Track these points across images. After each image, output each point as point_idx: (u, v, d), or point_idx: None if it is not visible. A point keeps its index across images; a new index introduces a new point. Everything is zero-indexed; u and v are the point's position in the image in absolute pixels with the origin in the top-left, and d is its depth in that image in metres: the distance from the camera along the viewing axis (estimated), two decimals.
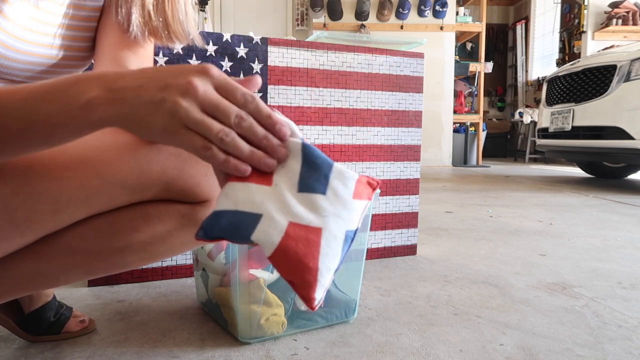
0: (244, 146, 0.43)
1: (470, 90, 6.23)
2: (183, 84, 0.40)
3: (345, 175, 0.47)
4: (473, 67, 5.65)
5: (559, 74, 3.79)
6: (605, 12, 5.97)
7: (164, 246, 0.58)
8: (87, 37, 0.66)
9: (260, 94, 1.24)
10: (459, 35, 6.15)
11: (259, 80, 0.46)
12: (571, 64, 3.71)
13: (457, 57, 5.82)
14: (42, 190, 0.49)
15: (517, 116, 7.13)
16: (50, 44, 0.61)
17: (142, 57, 0.66)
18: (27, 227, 0.49)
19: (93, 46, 0.68)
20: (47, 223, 0.50)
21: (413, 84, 1.43)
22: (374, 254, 1.43)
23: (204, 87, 0.41)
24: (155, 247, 0.57)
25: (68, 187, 0.50)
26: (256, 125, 0.43)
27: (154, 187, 0.54)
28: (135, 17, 0.63)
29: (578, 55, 6.30)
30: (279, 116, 0.45)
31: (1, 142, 0.41)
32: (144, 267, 1.16)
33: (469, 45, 8.16)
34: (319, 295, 0.42)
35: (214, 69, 0.42)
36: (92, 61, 0.68)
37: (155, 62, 1.12)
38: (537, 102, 7.32)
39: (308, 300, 0.41)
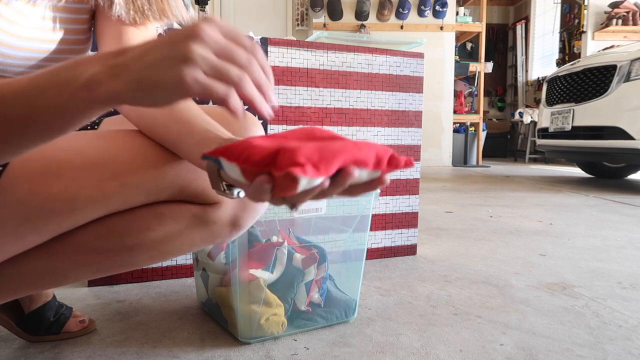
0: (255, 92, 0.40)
1: (470, 90, 6.23)
2: (191, 30, 0.37)
3: None
4: (473, 67, 5.65)
5: (559, 74, 3.78)
6: (605, 12, 5.97)
7: (174, 245, 0.59)
8: (81, 29, 0.66)
9: None
10: (459, 35, 6.15)
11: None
12: (571, 64, 3.71)
13: (457, 57, 5.81)
14: (60, 190, 0.50)
15: (517, 116, 7.12)
16: (45, 38, 0.61)
17: (145, 38, 0.66)
18: (44, 226, 0.50)
19: (87, 39, 0.68)
20: (64, 222, 0.51)
21: (413, 84, 1.43)
22: (374, 254, 1.42)
23: (213, 31, 0.38)
24: (166, 246, 0.58)
25: (86, 187, 0.51)
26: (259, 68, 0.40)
27: (169, 189, 0.56)
28: None
29: (578, 55, 6.29)
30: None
31: (2, 133, 0.40)
32: (144, 267, 1.16)
33: (469, 45, 8.16)
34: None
35: (216, 18, 0.40)
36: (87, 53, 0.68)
37: None
38: (537, 102, 7.31)
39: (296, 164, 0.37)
